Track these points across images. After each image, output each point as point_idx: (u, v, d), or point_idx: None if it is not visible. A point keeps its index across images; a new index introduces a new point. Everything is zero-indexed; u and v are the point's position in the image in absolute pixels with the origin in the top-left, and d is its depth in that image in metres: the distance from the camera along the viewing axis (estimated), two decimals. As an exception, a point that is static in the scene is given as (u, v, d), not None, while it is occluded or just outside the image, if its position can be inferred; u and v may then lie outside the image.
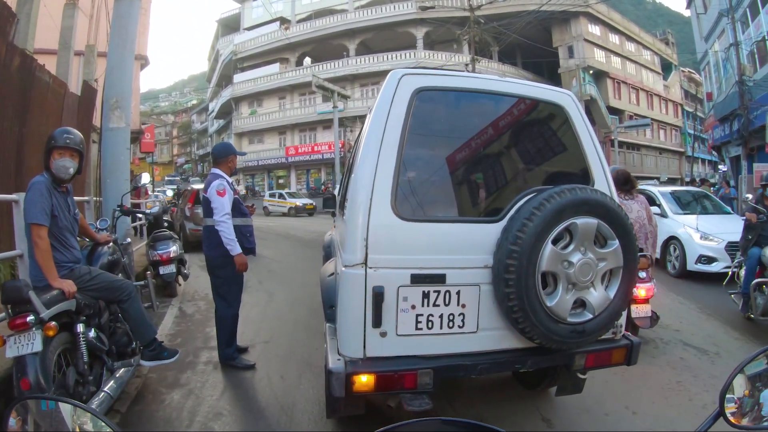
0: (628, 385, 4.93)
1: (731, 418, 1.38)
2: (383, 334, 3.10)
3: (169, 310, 7.84)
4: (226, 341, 5.40)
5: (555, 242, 3.07)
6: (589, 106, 44.00)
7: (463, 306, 3.20)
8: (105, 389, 3.88)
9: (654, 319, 5.87)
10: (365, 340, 3.10)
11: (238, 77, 53.01)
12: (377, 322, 3.06)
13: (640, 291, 5.65)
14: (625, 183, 6.29)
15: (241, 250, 5.14)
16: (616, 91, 47.75)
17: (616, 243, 3.20)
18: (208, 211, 5.21)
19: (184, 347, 5.64)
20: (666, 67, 56.77)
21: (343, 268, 3.16)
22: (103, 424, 1.30)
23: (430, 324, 3.16)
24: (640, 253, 5.56)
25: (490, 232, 3.20)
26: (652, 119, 48.15)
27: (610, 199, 3.26)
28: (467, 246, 3.22)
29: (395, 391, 3.21)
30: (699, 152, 55.09)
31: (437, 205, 3.43)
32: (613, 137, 40.18)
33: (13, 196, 4.94)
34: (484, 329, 3.27)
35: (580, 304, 3.22)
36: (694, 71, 57.45)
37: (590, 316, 3.20)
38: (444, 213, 3.40)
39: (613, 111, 45.46)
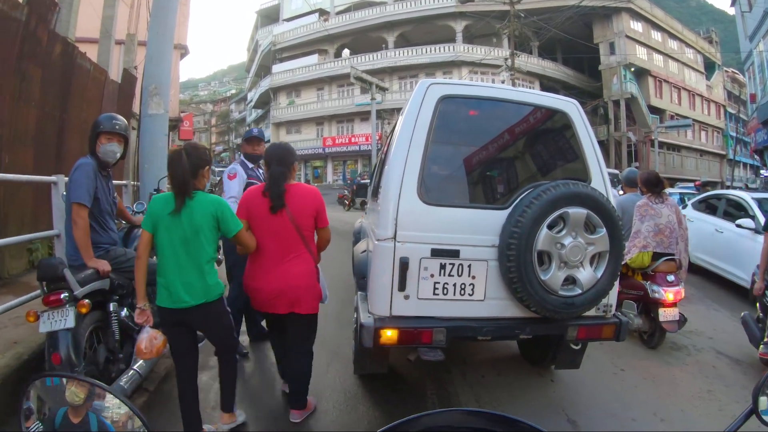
0: (657, 392, 4.87)
1: (765, 417, 1.38)
2: (406, 297, 3.70)
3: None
4: None
5: (550, 227, 3.60)
6: (630, 105, 43.39)
7: (473, 277, 3.76)
8: (134, 367, 4.00)
9: (681, 322, 5.84)
10: (392, 301, 3.70)
11: (276, 68, 53.29)
12: (402, 286, 3.67)
13: (668, 294, 5.70)
14: (656, 185, 6.22)
15: None
16: (658, 89, 46.87)
17: (604, 231, 3.68)
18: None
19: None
20: (709, 67, 55.44)
21: (376, 242, 3.74)
22: (124, 405, 1.33)
23: (445, 291, 3.74)
24: (668, 257, 5.86)
25: (497, 217, 3.75)
26: (694, 120, 47.08)
27: (599, 193, 3.74)
28: (478, 228, 3.77)
29: (414, 345, 3.81)
30: (741, 156, 53.48)
31: (455, 193, 4.00)
32: (653, 137, 39.56)
33: (52, 178, 5.06)
34: (490, 298, 3.81)
35: (571, 280, 3.72)
36: (737, 71, 56.19)
37: (579, 291, 3.70)
38: (460, 200, 3.94)
39: (654, 110, 44.66)
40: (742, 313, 5.88)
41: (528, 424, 1.20)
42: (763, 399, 1.39)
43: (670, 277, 5.85)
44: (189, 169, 3.35)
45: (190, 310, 3.43)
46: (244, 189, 5.16)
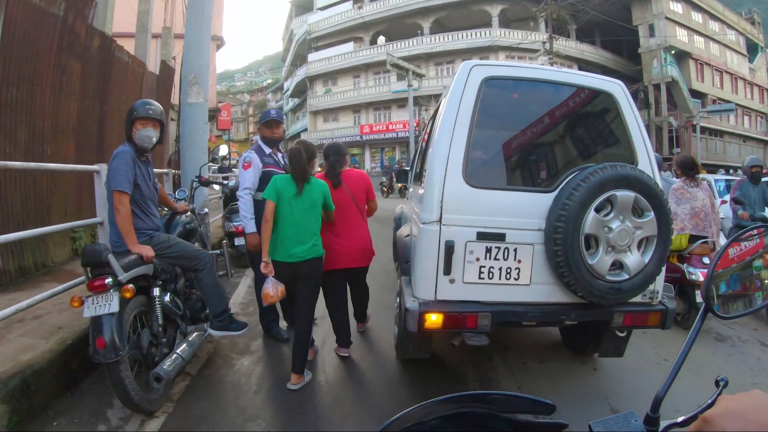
0: (702, 383, 4.73)
1: (718, 311, 1.38)
2: (452, 281, 3.67)
3: (243, 280, 8.08)
4: (262, 311, 5.46)
5: (598, 210, 3.54)
6: (671, 89, 42.54)
7: (519, 261, 3.71)
8: (177, 351, 4.02)
9: None
10: (437, 285, 3.68)
11: (312, 56, 53.29)
12: (447, 270, 3.64)
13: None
14: (692, 168, 6.42)
15: (254, 229, 4.97)
16: (699, 73, 45.67)
17: (652, 214, 3.62)
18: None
19: (257, 315, 5.73)
20: (751, 49, 53.68)
21: (422, 225, 3.75)
22: None
23: (491, 275, 3.70)
24: (702, 240, 6.00)
25: (544, 200, 3.69)
26: (737, 104, 45.09)
27: (647, 176, 3.65)
28: (524, 211, 3.72)
29: (459, 330, 3.85)
30: (786, 142, 51.99)
31: (501, 176, 3.98)
32: (695, 122, 38.67)
33: (95, 167, 5.14)
34: (536, 283, 3.76)
35: (618, 265, 3.65)
36: (781, 54, 54.48)
37: (626, 276, 3.63)
38: (506, 182, 3.93)
39: (696, 94, 43.68)
40: None
41: (532, 398, 1.20)
42: (713, 295, 1.39)
43: (705, 260, 6.00)
44: (306, 161, 4.37)
45: (302, 263, 4.34)
46: (261, 178, 5.11)
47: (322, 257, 4.54)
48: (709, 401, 0.94)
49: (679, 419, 1.02)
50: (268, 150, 5.33)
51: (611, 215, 3.57)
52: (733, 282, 1.44)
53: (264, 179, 5.05)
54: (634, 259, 3.64)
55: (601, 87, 4.09)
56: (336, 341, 5.08)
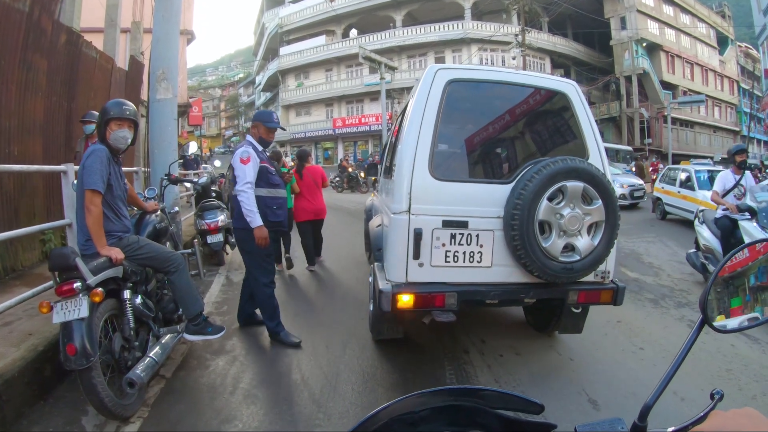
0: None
1: (715, 324, 1.38)
2: (421, 265, 4.10)
3: (216, 279, 8.02)
4: (267, 315, 5.35)
5: (551, 199, 3.97)
6: (642, 80, 42.97)
7: (481, 246, 4.16)
8: (150, 355, 3.95)
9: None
10: (407, 269, 4.11)
11: (284, 50, 53.01)
12: (416, 255, 4.07)
13: None
14: None
15: (261, 223, 4.98)
16: (670, 65, 46.23)
17: (600, 202, 4.06)
18: (234, 180, 5.09)
19: (231, 314, 5.73)
20: (722, 42, 54.47)
21: (392, 215, 4.17)
22: None
23: (456, 258, 4.14)
24: None
25: (502, 191, 4.14)
26: (707, 96, 46.16)
27: (595, 168, 4.10)
28: (485, 200, 4.16)
29: (428, 308, 4.21)
30: (755, 132, 52.34)
31: (463, 170, 4.45)
32: (666, 113, 39.14)
33: (62, 167, 5.04)
34: (497, 265, 4.21)
35: (570, 248, 4.10)
36: (751, 46, 55.25)
37: (578, 257, 4.09)
38: (468, 175, 4.40)
39: (667, 86, 44.21)
40: None
41: (523, 397, 1.19)
42: (710, 307, 1.38)
43: None
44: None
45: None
46: (260, 175, 5.13)
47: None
48: (701, 414, 0.94)
49: (669, 429, 1.01)
50: (260, 147, 5.32)
51: (562, 203, 4.00)
52: (761, 274, 1.44)
53: (260, 175, 5.14)
54: (584, 242, 4.09)
55: (555, 87, 4.56)
56: (307, 262, 8.82)
